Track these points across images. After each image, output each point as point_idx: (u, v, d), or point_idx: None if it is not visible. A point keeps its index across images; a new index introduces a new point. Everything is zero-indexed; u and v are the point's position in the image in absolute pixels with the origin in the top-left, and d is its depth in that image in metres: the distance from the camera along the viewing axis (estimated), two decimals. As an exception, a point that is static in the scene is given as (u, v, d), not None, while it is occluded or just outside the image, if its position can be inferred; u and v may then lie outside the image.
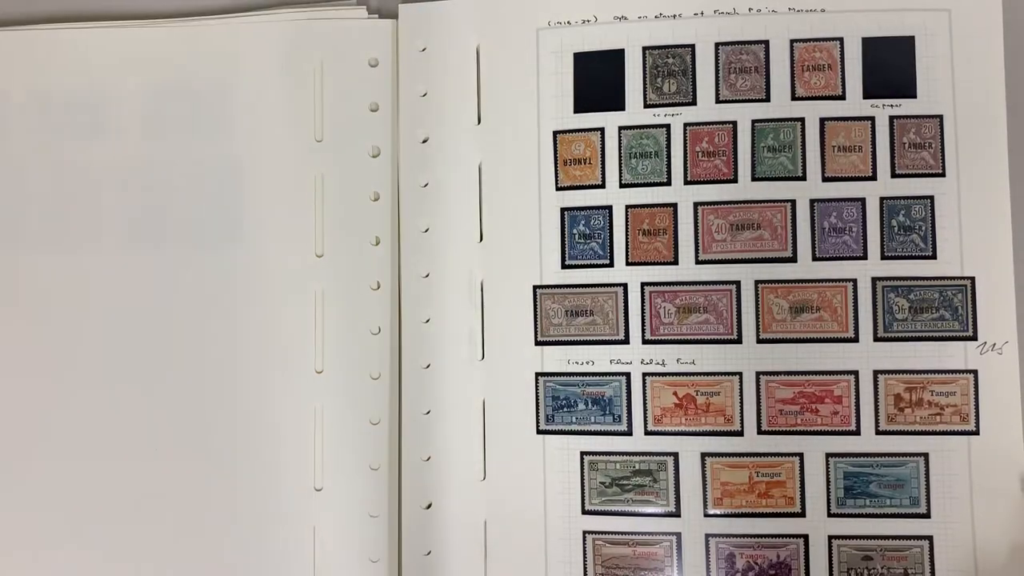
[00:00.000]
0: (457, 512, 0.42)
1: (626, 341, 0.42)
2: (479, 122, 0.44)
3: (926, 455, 0.41)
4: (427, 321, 0.43)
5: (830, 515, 0.41)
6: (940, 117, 0.42)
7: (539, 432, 0.42)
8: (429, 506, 0.42)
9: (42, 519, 0.44)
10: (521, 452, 0.42)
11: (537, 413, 0.42)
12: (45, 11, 0.47)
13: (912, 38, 0.42)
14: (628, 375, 0.42)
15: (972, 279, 0.41)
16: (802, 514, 0.41)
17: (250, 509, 0.43)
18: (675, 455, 0.42)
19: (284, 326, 0.44)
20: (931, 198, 0.41)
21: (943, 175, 0.41)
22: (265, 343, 0.44)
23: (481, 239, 0.43)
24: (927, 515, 0.41)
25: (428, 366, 0.43)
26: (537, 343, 0.43)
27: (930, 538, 0.40)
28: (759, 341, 0.42)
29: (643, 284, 0.42)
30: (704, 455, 0.41)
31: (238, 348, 0.44)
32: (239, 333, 0.44)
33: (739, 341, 0.42)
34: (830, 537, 0.41)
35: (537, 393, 0.43)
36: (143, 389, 0.44)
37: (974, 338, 0.41)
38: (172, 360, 0.44)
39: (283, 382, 0.44)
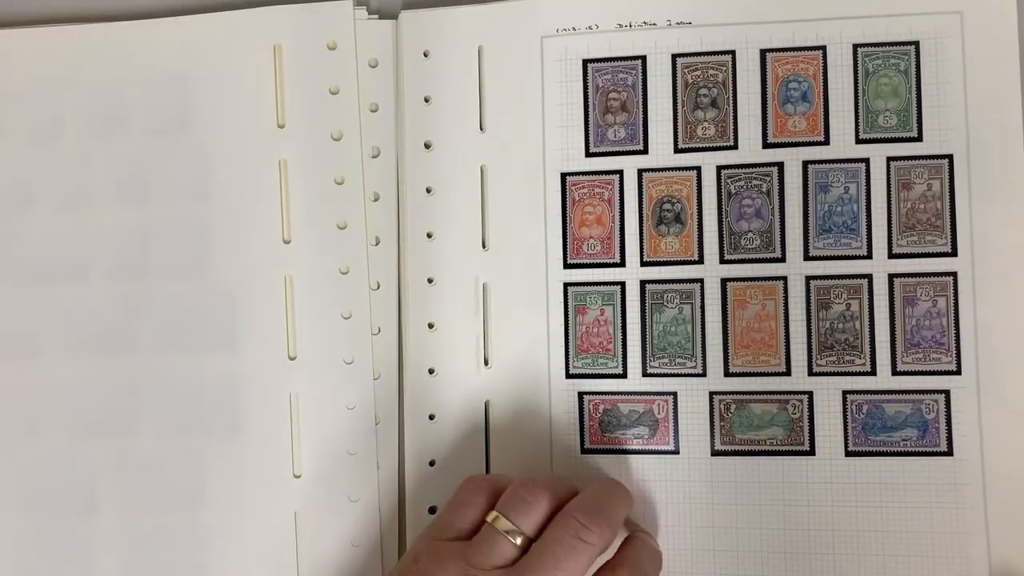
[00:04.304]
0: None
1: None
2: (482, 129, 0.44)
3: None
4: (432, 326, 0.44)
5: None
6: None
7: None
8: (433, 510, 0.43)
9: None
10: (526, 456, 0.43)
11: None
12: (7, 12, 0.47)
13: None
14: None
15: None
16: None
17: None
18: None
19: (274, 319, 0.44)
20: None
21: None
22: (251, 333, 0.44)
23: (484, 245, 0.44)
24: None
25: (432, 371, 0.43)
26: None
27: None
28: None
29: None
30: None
31: (233, 341, 0.44)
32: (233, 328, 0.44)
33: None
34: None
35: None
36: (121, 372, 0.44)
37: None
38: (149, 349, 0.45)
39: (278, 381, 0.44)
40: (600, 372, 0.43)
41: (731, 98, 0.43)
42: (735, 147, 0.42)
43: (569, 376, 0.43)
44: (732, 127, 0.43)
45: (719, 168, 0.42)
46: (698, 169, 0.43)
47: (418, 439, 0.43)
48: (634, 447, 0.42)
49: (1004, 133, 0.41)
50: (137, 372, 0.44)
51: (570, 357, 0.43)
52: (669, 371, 0.42)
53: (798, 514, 0.41)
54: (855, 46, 0.42)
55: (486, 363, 0.43)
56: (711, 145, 0.43)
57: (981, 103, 0.41)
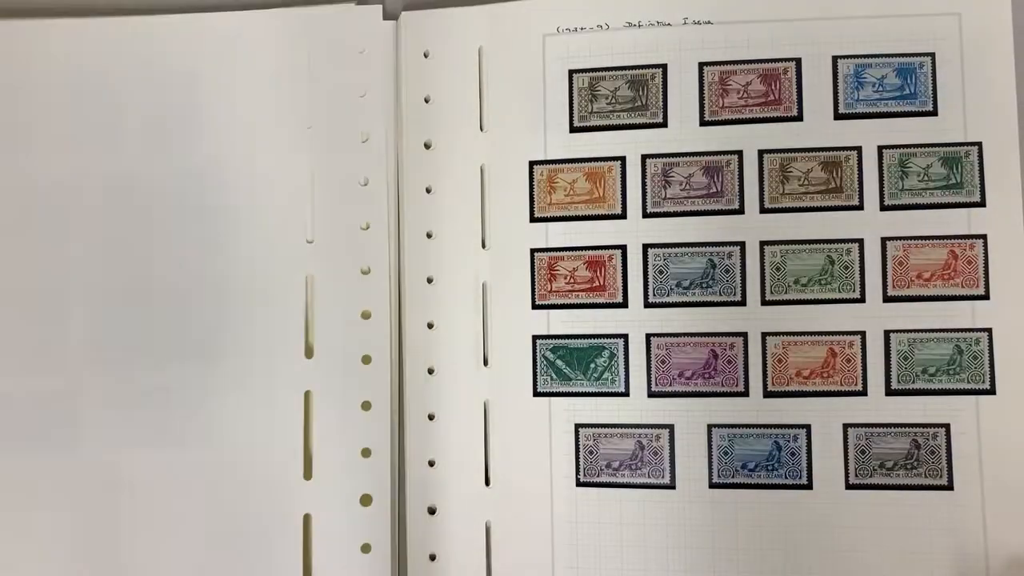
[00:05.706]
0: (461, 516, 0.43)
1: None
2: (482, 129, 0.44)
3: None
4: (431, 325, 0.44)
5: None
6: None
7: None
8: (433, 510, 0.43)
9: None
10: (526, 457, 0.43)
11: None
12: (36, 3, 0.47)
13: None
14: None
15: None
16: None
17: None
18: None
19: (277, 319, 0.44)
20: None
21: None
22: (257, 332, 0.44)
23: (484, 245, 0.44)
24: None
25: (432, 370, 0.43)
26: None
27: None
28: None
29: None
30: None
31: (252, 339, 0.44)
32: (252, 326, 0.44)
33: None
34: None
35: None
36: (134, 373, 0.44)
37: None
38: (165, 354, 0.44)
39: (275, 383, 0.44)
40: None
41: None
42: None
43: None
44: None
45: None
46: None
47: (418, 439, 0.43)
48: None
49: (1001, 133, 0.41)
50: (152, 372, 0.44)
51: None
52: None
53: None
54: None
55: (485, 363, 0.43)
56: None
57: (978, 103, 0.41)
